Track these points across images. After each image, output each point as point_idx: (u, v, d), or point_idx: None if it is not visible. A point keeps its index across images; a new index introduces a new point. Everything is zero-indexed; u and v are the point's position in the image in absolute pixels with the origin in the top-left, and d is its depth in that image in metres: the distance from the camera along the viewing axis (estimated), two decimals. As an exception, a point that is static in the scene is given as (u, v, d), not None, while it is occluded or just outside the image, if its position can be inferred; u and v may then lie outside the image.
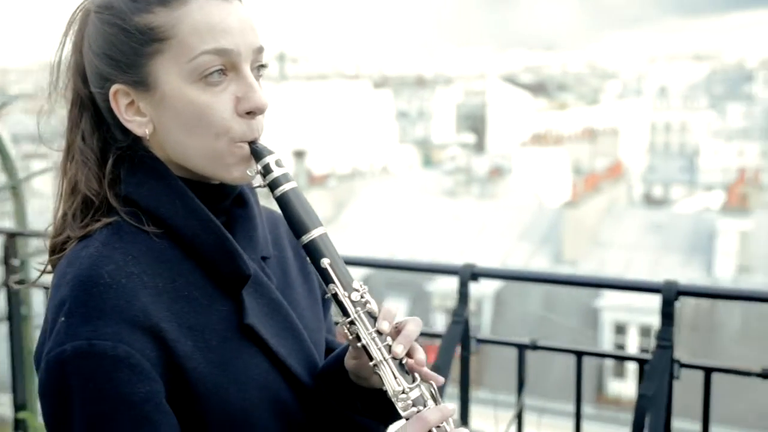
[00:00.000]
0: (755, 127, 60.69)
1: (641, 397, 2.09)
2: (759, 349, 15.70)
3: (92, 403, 0.98)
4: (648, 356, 2.22)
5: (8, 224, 3.37)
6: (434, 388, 1.09)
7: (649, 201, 46.11)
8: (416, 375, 1.07)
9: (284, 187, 1.07)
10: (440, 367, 2.33)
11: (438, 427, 1.05)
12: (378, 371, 1.06)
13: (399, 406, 1.06)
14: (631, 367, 19.33)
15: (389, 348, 1.06)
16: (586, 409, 15.31)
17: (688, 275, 19.78)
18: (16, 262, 3.20)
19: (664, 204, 43.24)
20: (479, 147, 55.36)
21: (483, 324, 19.17)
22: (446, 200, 27.93)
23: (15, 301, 3.23)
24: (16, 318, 3.25)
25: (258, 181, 1.09)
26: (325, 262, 1.07)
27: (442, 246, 22.86)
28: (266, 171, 1.08)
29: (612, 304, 19.23)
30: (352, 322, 1.06)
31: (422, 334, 1.27)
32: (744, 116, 63.63)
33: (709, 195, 39.62)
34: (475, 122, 63.31)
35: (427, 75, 77.74)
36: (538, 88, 69.14)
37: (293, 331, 1.17)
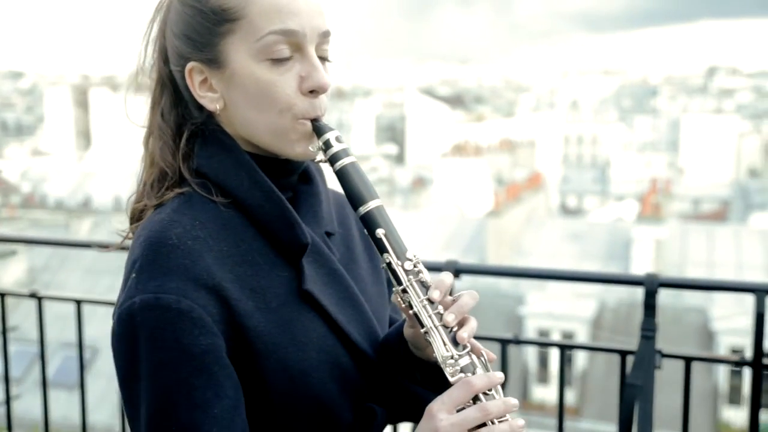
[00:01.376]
0: (661, 140, 63.35)
1: (629, 386, 2.14)
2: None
3: (156, 351, 1.04)
4: (626, 348, 2.29)
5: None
6: (485, 359, 1.11)
7: (565, 211, 47.41)
8: (467, 345, 1.08)
9: (343, 161, 1.12)
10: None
11: (486, 393, 1.06)
12: (428, 338, 1.08)
13: (447, 371, 1.07)
14: (554, 373, 19.82)
15: (440, 316, 1.08)
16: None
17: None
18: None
19: (578, 214, 44.53)
20: (400, 158, 55.81)
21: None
22: (370, 211, 27.98)
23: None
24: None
25: (320, 156, 1.15)
26: (380, 232, 1.10)
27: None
28: (327, 146, 1.13)
29: (535, 312, 19.68)
30: (404, 290, 1.09)
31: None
32: (651, 129, 66.32)
33: (621, 205, 41.03)
34: (394, 134, 63.85)
35: (346, 87, 77.99)
36: (456, 101, 70.35)
37: (353, 302, 1.21)
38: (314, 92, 1.14)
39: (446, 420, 1.04)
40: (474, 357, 1.09)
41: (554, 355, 19.78)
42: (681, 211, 40.48)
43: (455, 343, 1.08)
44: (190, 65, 1.16)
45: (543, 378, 19.67)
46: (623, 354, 2.29)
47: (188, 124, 1.18)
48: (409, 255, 1.10)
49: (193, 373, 1.04)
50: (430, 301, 1.08)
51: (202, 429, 1.04)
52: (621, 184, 51.69)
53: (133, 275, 1.07)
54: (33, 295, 2.97)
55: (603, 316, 20.43)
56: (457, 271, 2.47)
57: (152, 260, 1.07)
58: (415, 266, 1.10)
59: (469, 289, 1.10)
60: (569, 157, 66.76)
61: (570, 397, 18.97)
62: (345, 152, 1.13)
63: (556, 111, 71.80)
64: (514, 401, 1.07)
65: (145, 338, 1.04)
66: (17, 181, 38.18)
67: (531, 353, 19.50)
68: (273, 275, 1.14)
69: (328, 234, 1.25)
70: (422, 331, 1.08)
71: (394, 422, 1.29)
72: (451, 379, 1.07)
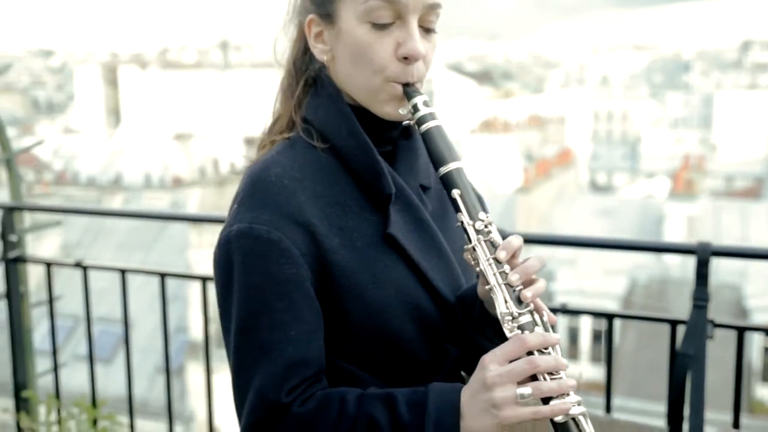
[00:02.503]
0: (694, 116, 62.32)
1: (681, 356, 2.11)
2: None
3: (246, 275, 1.15)
4: (676, 317, 2.26)
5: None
6: (547, 321, 1.14)
7: (595, 188, 46.99)
8: (529, 304, 1.13)
9: (429, 124, 1.19)
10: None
11: (541, 351, 1.09)
12: (492, 294, 1.13)
13: (505, 327, 1.12)
14: (585, 350, 19.74)
15: (505, 275, 1.13)
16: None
17: (637, 259, 20.25)
18: (13, 237, 3.09)
19: (608, 190, 44.10)
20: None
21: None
22: (398, 187, 27.95)
23: (14, 278, 3.12)
24: (14, 295, 3.13)
25: (408, 118, 1.23)
26: (456, 192, 1.17)
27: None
28: (415, 110, 1.20)
29: (565, 288, 19.58)
30: (474, 249, 1.15)
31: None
32: (683, 105, 65.26)
33: (651, 182, 40.59)
34: (422, 111, 63.42)
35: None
36: (484, 77, 69.72)
37: (438, 250, 1.27)
38: (407, 59, 1.20)
39: (495, 371, 1.09)
40: (536, 317, 1.13)
41: (584, 331, 19.68)
42: (714, 188, 39.95)
43: (518, 302, 1.12)
44: (309, 17, 1.26)
45: (573, 354, 19.62)
46: (673, 324, 2.26)
47: (307, 74, 1.29)
48: (481, 216, 1.15)
49: (276, 297, 1.14)
50: (497, 261, 1.14)
51: (279, 347, 1.14)
52: (652, 160, 51.08)
53: (235, 206, 1.20)
54: (78, 264, 3.00)
55: (634, 293, 20.29)
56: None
57: (251, 194, 1.19)
58: (486, 227, 1.15)
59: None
60: (599, 133, 65.97)
61: (599, 373, 18.91)
62: (431, 116, 1.19)
63: (586, 87, 70.91)
64: (565, 361, 1.10)
65: (238, 262, 1.15)
66: (49, 159, 38.63)
67: (561, 329, 19.45)
68: (361, 218, 1.22)
69: (424, 187, 1.33)
70: (486, 287, 1.14)
71: (466, 370, 1.33)
72: (508, 335, 1.12)
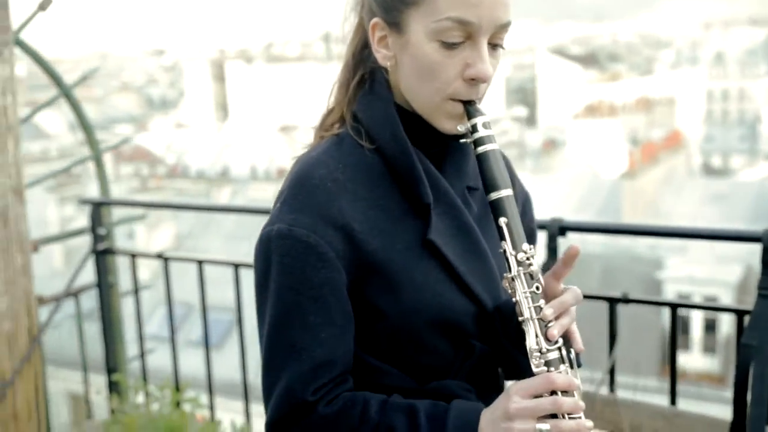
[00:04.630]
0: (818, 93, 58.66)
1: (744, 347, 2.04)
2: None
3: (282, 275, 1.18)
4: (743, 307, 2.18)
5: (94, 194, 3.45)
6: (574, 362, 1.16)
7: (709, 171, 45.01)
8: (558, 340, 1.15)
9: (486, 147, 1.19)
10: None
11: (565, 392, 1.12)
12: (524, 327, 1.15)
13: (533, 363, 1.14)
14: (696, 339, 19.02)
15: (539, 309, 1.14)
16: (651, 382, 15.11)
17: (752, 247, 19.33)
18: (102, 230, 3.28)
19: (724, 174, 42.16)
20: (530, 120, 54.69)
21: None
22: (500, 175, 27.66)
23: (103, 269, 3.32)
24: (104, 285, 3.33)
25: (466, 135, 1.22)
26: (503, 221, 1.17)
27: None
28: (474, 129, 1.20)
29: (675, 276, 18.92)
30: (513, 279, 1.16)
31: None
32: (806, 81, 61.51)
33: (771, 163, 38.49)
34: (525, 96, 62.56)
35: (475, 50, 76.44)
36: (589, 60, 67.84)
37: (479, 254, 1.28)
38: (474, 80, 1.20)
39: (518, 403, 1.12)
40: (564, 353, 1.15)
41: (696, 320, 18.97)
42: (838, 168, 37.44)
43: (547, 338, 1.14)
44: (374, 20, 1.25)
45: (684, 344, 18.95)
46: (740, 314, 2.18)
47: (363, 68, 1.30)
48: (525, 247, 1.16)
49: (310, 300, 1.17)
50: (534, 293, 1.15)
51: (308, 348, 1.18)
52: (772, 141, 48.43)
53: (278, 205, 1.22)
54: (159, 256, 3.16)
55: (750, 280, 19.36)
56: (562, 228, 2.43)
57: (294, 195, 1.20)
58: (527, 258, 1.16)
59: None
60: (713, 114, 63.12)
61: (714, 364, 18.20)
62: (489, 139, 1.19)
63: (699, 66, 67.92)
64: (582, 404, 1.13)
65: (276, 262, 1.18)
66: (163, 154, 40.33)
67: (669, 317, 18.82)
68: (402, 221, 1.24)
69: (470, 189, 1.33)
70: (520, 319, 1.16)
71: (492, 366, 1.36)
72: (535, 370, 1.14)
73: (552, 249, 2.41)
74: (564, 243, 2.50)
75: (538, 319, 1.14)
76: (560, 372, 1.13)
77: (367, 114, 1.27)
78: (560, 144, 33.78)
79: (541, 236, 2.47)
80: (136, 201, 4.31)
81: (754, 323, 2.05)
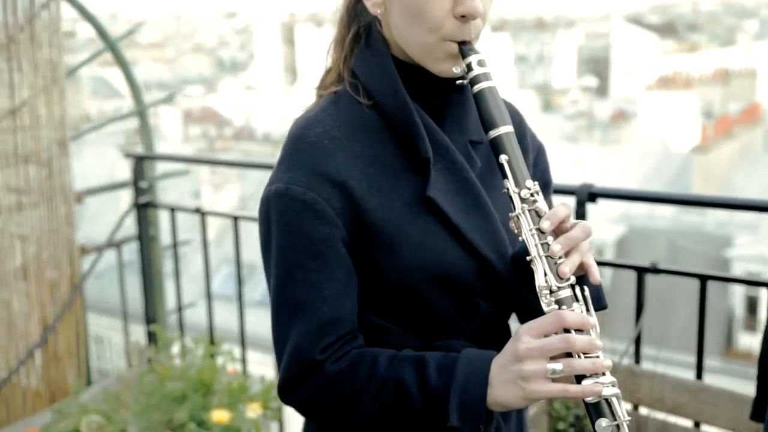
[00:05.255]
0: None
1: (771, 322, 1.97)
2: None
3: (282, 234, 1.18)
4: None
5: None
6: (588, 297, 1.11)
7: (788, 147, 43.18)
8: (570, 278, 1.09)
9: (482, 85, 1.15)
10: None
11: (579, 331, 1.06)
12: (532, 266, 1.10)
13: (543, 302, 1.09)
14: (763, 320, 18.46)
15: (547, 246, 1.09)
16: (714, 362, 14.77)
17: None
18: (144, 184, 3.36)
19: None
20: (602, 91, 53.41)
21: (604, 274, 18.71)
22: (566, 145, 27.23)
23: (144, 222, 3.40)
24: (145, 238, 3.41)
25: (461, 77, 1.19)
26: (503, 158, 1.13)
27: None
28: (469, 69, 1.16)
29: (744, 254, 18.37)
30: (518, 217, 1.12)
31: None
32: None
33: None
34: (598, 66, 61.05)
35: (548, 17, 75.12)
36: (667, 29, 65.60)
37: (482, 210, 1.24)
38: (465, 17, 1.16)
39: (528, 343, 1.07)
40: (578, 292, 1.10)
41: (764, 300, 18.38)
42: None
43: (559, 275, 1.09)
44: None
45: (750, 325, 18.44)
46: (770, 288, 2.10)
47: (357, 24, 1.27)
48: (528, 184, 1.12)
49: (310, 257, 1.17)
50: (541, 231, 1.10)
51: (313, 305, 1.17)
52: None
53: (276, 165, 1.22)
54: (197, 210, 3.22)
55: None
56: (592, 194, 2.37)
57: (291, 154, 1.20)
58: (531, 195, 1.12)
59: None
60: (796, 88, 60.40)
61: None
62: (485, 76, 1.15)
63: (785, 37, 64.86)
64: (599, 342, 1.07)
65: (276, 221, 1.18)
66: (231, 115, 40.89)
67: (738, 298, 18.33)
68: (402, 177, 1.21)
69: (474, 143, 1.30)
70: (528, 258, 1.11)
71: (499, 325, 1.32)
72: (545, 309, 1.09)
73: (580, 215, 2.36)
74: (594, 210, 2.45)
75: (546, 256, 1.09)
76: (572, 311, 1.07)
77: (364, 70, 1.24)
78: (630, 116, 32.90)
79: (570, 202, 2.43)
80: (177, 156, 4.39)
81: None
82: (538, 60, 63.34)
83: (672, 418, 2.30)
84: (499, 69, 47.28)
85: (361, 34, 1.27)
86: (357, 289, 1.22)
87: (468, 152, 1.28)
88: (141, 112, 3.45)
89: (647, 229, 20.01)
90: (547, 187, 1.41)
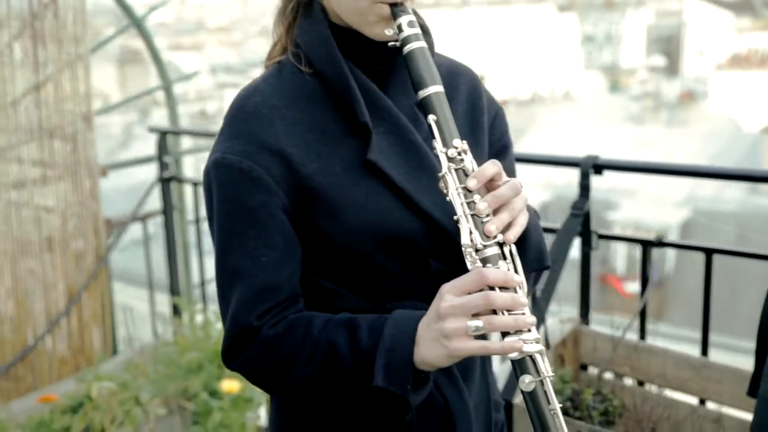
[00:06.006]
0: None
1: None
2: None
3: (221, 203, 1.19)
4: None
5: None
6: (515, 255, 1.09)
7: None
8: (498, 236, 1.07)
9: (412, 45, 1.14)
10: (554, 259, 2.24)
11: (504, 288, 1.04)
12: (459, 225, 1.08)
13: (468, 261, 1.07)
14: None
15: (474, 205, 1.08)
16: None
17: None
18: (168, 158, 3.42)
19: None
20: (670, 71, 51.91)
21: (668, 257, 18.27)
22: (631, 127, 26.61)
23: (168, 196, 3.46)
24: (169, 211, 3.48)
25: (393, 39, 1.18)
26: (431, 118, 1.12)
27: (624, 174, 21.82)
28: (399, 30, 1.15)
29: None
30: (444, 176, 1.11)
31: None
32: None
33: None
34: (669, 45, 59.34)
35: (618, -4, 73.19)
36: (743, 6, 63.22)
37: (428, 171, 1.22)
38: None
39: (449, 301, 1.05)
40: (506, 251, 1.08)
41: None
42: None
43: (485, 233, 1.07)
44: None
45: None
46: (776, 261, 2.02)
47: None
48: (455, 143, 1.11)
49: (248, 225, 1.17)
50: (468, 190, 1.09)
51: (250, 273, 1.17)
52: None
53: (217, 135, 1.23)
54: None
55: None
56: (597, 166, 2.31)
57: (229, 124, 1.21)
58: (459, 154, 1.10)
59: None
60: None
61: None
62: (415, 37, 1.14)
63: None
64: (524, 299, 1.05)
65: (215, 191, 1.19)
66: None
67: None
68: (343, 142, 1.21)
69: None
70: (455, 218, 1.09)
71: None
72: (470, 267, 1.07)
73: (584, 186, 2.30)
74: (599, 181, 2.39)
75: (472, 215, 1.08)
76: (497, 268, 1.05)
77: (305, 38, 1.24)
78: (699, 96, 31.91)
79: (574, 173, 2.37)
80: (201, 131, 4.44)
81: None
82: (606, 40, 61.87)
83: (677, 396, 2.24)
84: (565, 50, 46.41)
85: (302, 4, 1.27)
86: (299, 256, 1.21)
87: (415, 115, 1.26)
88: (167, 87, 3.51)
89: (713, 212, 19.44)
90: (506, 151, 1.38)
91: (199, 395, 2.85)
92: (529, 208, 1.33)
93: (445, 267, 1.25)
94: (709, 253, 2.18)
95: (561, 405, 1.08)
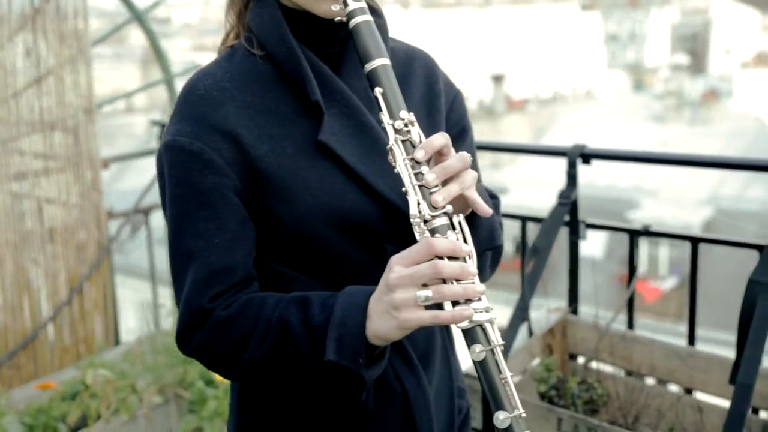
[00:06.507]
0: None
1: (751, 282, 1.89)
2: None
3: (172, 186, 1.18)
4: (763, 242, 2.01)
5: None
6: (464, 230, 1.08)
7: None
8: (446, 207, 1.06)
9: (357, 19, 1.13)
10: (540, 248, 2.24)
11: (453, 258, 1.04)
12: (407, 197, 1.07)
13: (416, 232, 1.07)
14: None
15: (422, 176, 1.07)
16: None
17: None
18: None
19: None
20: (694, 69, 51.39)
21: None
22: (653, 126, 26.39)
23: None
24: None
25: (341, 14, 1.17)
26: (378, 90, 1.11)
27: (646, 172, 21.70)
28: (345, 4, 1.14)
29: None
30: (390, 148, 1.10)
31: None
32: None
33: None
34: (693, 43, 58.72)
35: (643, -6, 72.54)
36: (770, 4, 62.34)
37: (382, 152, 1.20)
38: None
39: (397, 272, 1.05)
40: (455, 221, 1.07)
41: None
42: None
43: (432, 204, 1.06)
44: None
45: None
46: (761, 248, 2.00)
47: None
48: (402, 115, 1.10)
49: (200, 207, 1.16)
50: (416, 161, 1.08)
51: (202, 255, 1.17)
52: None
53: (169, 119, 1.23)
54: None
55: None
56: (584, 155, 2.31)
57: (180, 107, 1.20)
58: (405, 126, 1.09)
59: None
60: None
61: None
62: (361, 11, 1.14)
63: None
64: (473, 269, 1.04)
65: (167, 174, 1.18)
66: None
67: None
68: (295, 124, 1.20)
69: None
70: (402, 190, 1.08)
71: None
72: (418, 238, 1.07)
73: (571, 175, 2.30)
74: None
75: (420, 186, 1.07)
76: (446, 238, 1.05)
77: (257, 21, 1.24)
78: (723, 94, 31.55)
79: (561, 163, 2.37)
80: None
81: (766, 259, 1.87)
82: (630, 38, 61.37)
83: (662, 385, 2.24)
84: (588, 48, 46.09)
85: None
86: (253, 238, 1.21)
87: (369, 98, 1.24)
88: (168, 81, 3.54)
89: (736, 210, 19.24)
90: (465, 134, 1.37)
91: (195, 384, 2.88)
92: (486, 190, 1.34)
93: (401, 250, 1.25)
94: (695, 242, 2.17)
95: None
